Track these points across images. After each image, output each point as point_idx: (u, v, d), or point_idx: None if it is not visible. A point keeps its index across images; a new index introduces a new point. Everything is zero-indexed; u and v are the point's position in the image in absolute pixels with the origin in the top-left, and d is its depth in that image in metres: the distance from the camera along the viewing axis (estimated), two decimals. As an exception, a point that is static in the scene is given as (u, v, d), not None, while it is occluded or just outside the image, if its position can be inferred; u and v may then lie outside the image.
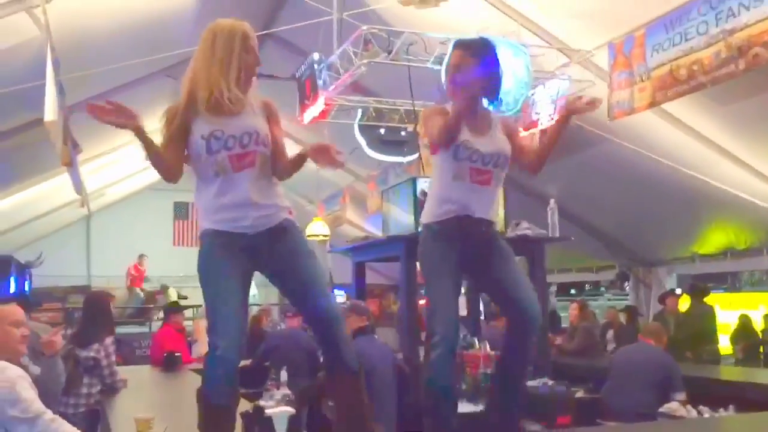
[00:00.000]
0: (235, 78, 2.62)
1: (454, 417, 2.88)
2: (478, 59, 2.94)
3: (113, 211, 16.30)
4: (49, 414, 2.51)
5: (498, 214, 3.05)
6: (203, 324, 9.00)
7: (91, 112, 2.50)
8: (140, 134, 2.54)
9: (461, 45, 3.05)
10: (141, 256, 14.92)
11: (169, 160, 2.64)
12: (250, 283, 2.68)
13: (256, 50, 2.72)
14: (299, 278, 2.66)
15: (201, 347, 8.78)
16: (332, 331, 2.65)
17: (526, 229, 5.23)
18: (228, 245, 2.58)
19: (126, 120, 2.50)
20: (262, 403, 3.06)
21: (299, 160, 2.79)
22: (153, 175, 13.06)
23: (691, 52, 5.29)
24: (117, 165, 12.35)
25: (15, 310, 3.09)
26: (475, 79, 2.89)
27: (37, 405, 2.52)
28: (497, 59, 3.03)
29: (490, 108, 3.10)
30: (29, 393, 2.53)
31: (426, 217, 2.99)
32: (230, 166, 2.58)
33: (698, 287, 7.87)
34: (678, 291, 8.95)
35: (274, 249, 2.63)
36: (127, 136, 10.84)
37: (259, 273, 2.72)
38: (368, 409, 2.72)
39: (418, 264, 3.01)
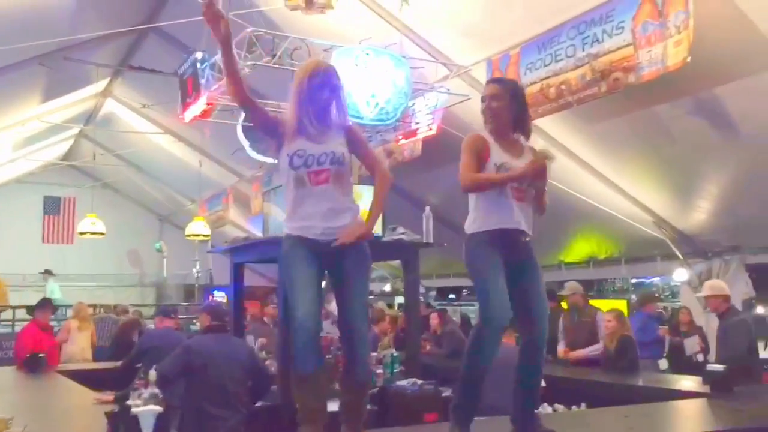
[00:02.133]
0: (313, 112, 3.02)
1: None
2: (512, 95, 3.33)
3: (-24, 203, 15.32)
4: None
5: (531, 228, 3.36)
6: (74, 324, 8.61)
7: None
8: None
9: (497, 81, 3.53)
10: None
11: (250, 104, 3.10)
12: (321, 277, 3.06)
13: (325, 83, 3.06)
14: (347, 293, 3.05)
15: (70, 347, 8.42)
16: (354, 347, 3.03)
17: (401, 233, 5.40)
18: (304, 246, 2.99)
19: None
20: (129, 402, 3.02)
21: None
22: (21, 168, 12.38)
23: (560, 72, 5.65)
24: (-19, 155, 11.64)
25: None
26: (507, 111, 3.29)
27: None
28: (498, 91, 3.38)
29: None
30: None
31: (472, 228, 3.26)
32: (308, 180, 3.00)
33: (549, 292, 8.25)
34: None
35: (338, 259, 3.00)
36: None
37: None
38: (364, 414, 3.10)
39: (468, 270, 3.26)
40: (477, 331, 3.14)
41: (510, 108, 3.30)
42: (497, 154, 3.24)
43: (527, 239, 3.26)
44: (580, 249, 9.15)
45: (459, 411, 3.21)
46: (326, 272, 3.10)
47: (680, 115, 6.13)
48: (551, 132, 6.96)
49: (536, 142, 6.98)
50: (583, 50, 5.47)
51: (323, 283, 3.21)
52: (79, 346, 8.45)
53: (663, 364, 7.62)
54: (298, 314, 2.86)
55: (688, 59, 4.70)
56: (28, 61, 8.11)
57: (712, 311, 5.81)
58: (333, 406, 4.66)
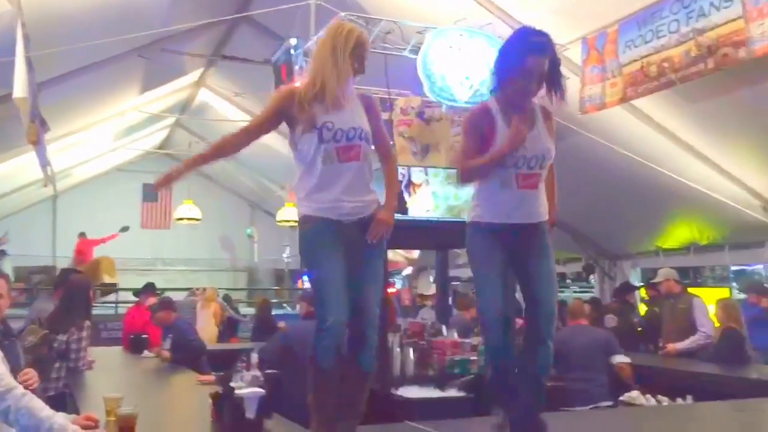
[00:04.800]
0: (344, 77, 2.82)
1: (514, 381, 3.01)
2: (523, 47, 2.90)
3: (80, 191, 16.08)
4: (20, 389, 2.51)
5: (546, 208, 3.07)
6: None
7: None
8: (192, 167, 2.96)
9: (542, 51, 2.91)
10: (81, 234, 14.56)
11: (246, 140, 2.93)
12: (346, 267, 2.86)
13: (365, 57, 2.92)
14: (363, 275, 2.88)
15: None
16: (363, 332, 2.88)
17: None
18: (327, 229, 2.82)
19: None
20: (232, 384, 3.07)
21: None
22: (121, 156, 12.87)
23: (662, 49, 5.38)
24: (85, 145, 12.19)
25: None
26: (522, 69, 2.86)
27: (8, 379, 2.52)
28: (547, 46, 2.93)
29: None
30: (0, 368, 2.53)
31: (472, 216, 3.05)
32: (336, 156, 2.80)
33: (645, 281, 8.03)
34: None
35: (360, 238, 2.84)
36: (95, 116, 10.64)
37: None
38: (362, 410, 2.93)
39: (468, 258, 3.09)
40: (485, 335, 3.05)
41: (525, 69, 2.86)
42: (504, 135, 2.88)
43: (534, 229, 2.97)
44: (679, 234, 8.75)
45: (495, 402, 3.12)
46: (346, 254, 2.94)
47: (793, 92, 5.75)
48: (650, 112, 6.67)
49: (634, 122, 6.75)
50: (688, 25, 5.20)
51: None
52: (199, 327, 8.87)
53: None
54: (331, 319, 2.74)
55: (808, 31, 4.40)
56: (128, 53, 8.41)
57: None
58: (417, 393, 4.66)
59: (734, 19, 4.83)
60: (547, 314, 2.94)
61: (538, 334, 2.95)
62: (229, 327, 10.12)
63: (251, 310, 13.56)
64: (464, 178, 3.04)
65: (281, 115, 2.89)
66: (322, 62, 2.83)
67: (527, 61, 2.85)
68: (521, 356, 3.01)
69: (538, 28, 3.00)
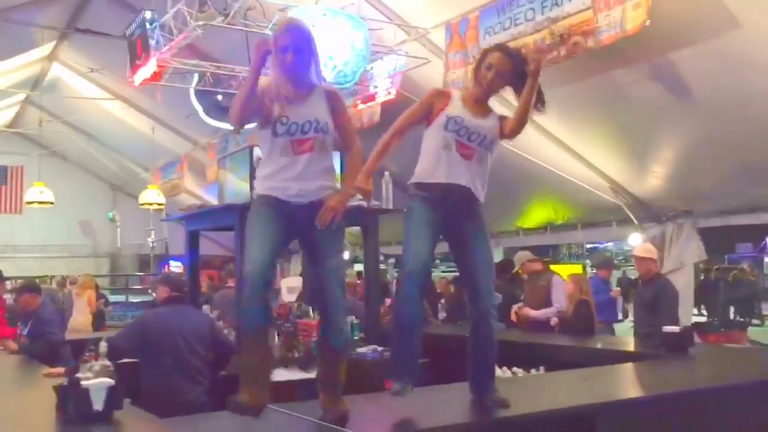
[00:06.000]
0: (286, 77, 2.90)
1: (419, 341, 3.20)
2: (517, 74, 3.24)
3: None
4: None
5: (483, 191, 3.26)
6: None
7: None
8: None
9: (510, 55, 3.31)
10: None
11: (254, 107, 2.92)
12: (285, 239, 2.98)
13: (288, 45, 2.90)
14: (321, 260, 2.98)
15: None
16: (329, 314, 3.00)
17: (360, 200, 5.30)
18: (273, 206, 2.92)
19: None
20: (79, 375, 2.90)
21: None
22: (-33, 135, 11.70)
23: (520, 36, 5.59)
24: None
25: None
26: (500, 87, 3.27)
27: None
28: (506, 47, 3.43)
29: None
30: None
31: (415, 178, 3.26)
32: (291, 149, 2.91)
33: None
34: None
35: (309, 221, 2.90)
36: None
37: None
38: (341, 382, 3.02)
39: (404, 216, 3.27)
40: (401, 283, 3.18)
41: (506, 84, 3.26)
42: (455, 107, 3.20)
43: (468, 198, 3.19)
44: (537, 215, 9.20)
45: (395, 367, 3.23)
46: (298, 239, 3.06)
47: (636, 81, 6.13)
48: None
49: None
50: (542, 14, 5.43)
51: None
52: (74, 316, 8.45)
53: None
54: (247, 268, 2.78)
55: (648, 23, 4.69)
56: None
57: (643, 274, 5.83)
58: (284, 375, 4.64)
59: (584, 10, 5.09)
60: (489, 302, 3.20)
61: (484, 320, 3.19)
62: (98, 316, 9.66)
63: (117, 297, 13.00)
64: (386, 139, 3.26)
65: (260, 109, 2.94)
66: (270, 63, 2.92)
67: (488, 56, 3.26)
68: (470, 337, 3.25)
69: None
